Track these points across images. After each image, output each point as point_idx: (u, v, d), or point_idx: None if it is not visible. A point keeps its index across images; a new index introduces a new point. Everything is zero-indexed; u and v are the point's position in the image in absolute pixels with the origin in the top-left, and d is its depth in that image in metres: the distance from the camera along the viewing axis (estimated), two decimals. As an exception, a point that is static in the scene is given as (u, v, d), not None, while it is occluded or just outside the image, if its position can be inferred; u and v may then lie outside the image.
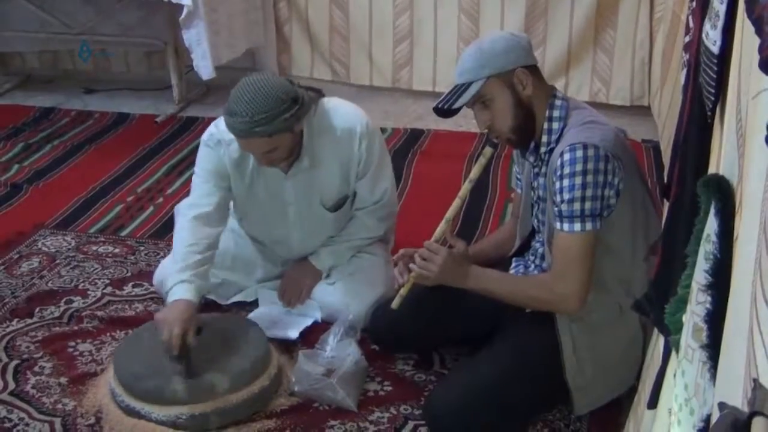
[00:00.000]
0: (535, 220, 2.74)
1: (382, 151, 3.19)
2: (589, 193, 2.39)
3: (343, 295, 3.16)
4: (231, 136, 2.91)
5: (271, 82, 2.77)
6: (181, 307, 2.75)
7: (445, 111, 2.58)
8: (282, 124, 2.75)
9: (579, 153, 2.38)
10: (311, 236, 3.24)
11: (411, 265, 2.64)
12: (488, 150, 2.69)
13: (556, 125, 2.54)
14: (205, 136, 3.08)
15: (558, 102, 2.57)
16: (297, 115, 2.80)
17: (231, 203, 3.23)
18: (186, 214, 3.03)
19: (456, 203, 2.71)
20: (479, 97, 2.54)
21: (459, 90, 2.54)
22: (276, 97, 2.74)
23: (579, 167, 2.38)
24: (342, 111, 3.09)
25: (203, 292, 2.94)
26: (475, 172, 2.70)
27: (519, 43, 2.57)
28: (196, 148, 4.63)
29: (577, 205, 2.40)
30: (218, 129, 3.03)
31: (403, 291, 2.70)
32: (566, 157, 2.40)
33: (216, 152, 3.04)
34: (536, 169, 2.64)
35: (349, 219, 3.28)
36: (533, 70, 2.58)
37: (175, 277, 2.84)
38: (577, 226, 2.41)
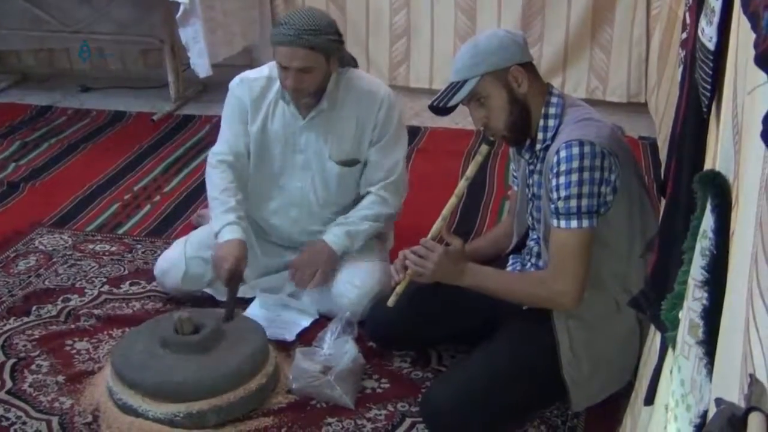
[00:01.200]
0: (531, 218, 2.74)
1: (400, 124, 3.26)
2: (585, 190, 2.39)
3: (341, 284, 3.16)
4: (256, 76, 3.20)
5: (323, 11, 3.09)
6: (234, 244, 3.04)
7: (440, 109, 2.59)
8: (326, 43, 2.96)
9: (575, 150, 2.39)
10: (314, 193, 3.25)
11: (407, 263, 2.64)
12: (484, 148, 2.69)
13: (551, 122, 2.54)
14: (232, 82, 3.27)
15: (554, 99, 2.57)
16: (338, 46, 3.03)
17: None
18: (211, 161, 3.26)
19: (452, 201, 2.71)
20: (475, 95, 2.54)
21: (454, 88, 2.54)
22: (327, 20, 3.01)
23: (575, 164, 2.38)
24: (370, 78, 3.31)
25: (247, 230, 3.18)
26: (471, 169, 2.70)
27: (514, 41, 2.57)
28: (194, 146, 4.66)
29: (573, 202, 2.40)
30: (246, 74, 3.27)
31: (399, 288, 2.70)
32: (562, 154, 2.40)
33: (238, 92, 3.22)
34: (532, 167, 2.64)
35: (358, 199, 3.30)
36: (529, 67, 2.58)
37: (221, 219, 3.11)
38: (574, 223, 2.41)
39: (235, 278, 3.03)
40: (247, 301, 3.28)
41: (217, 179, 3.20)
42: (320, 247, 3.20)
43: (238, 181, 3.21)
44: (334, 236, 3.21)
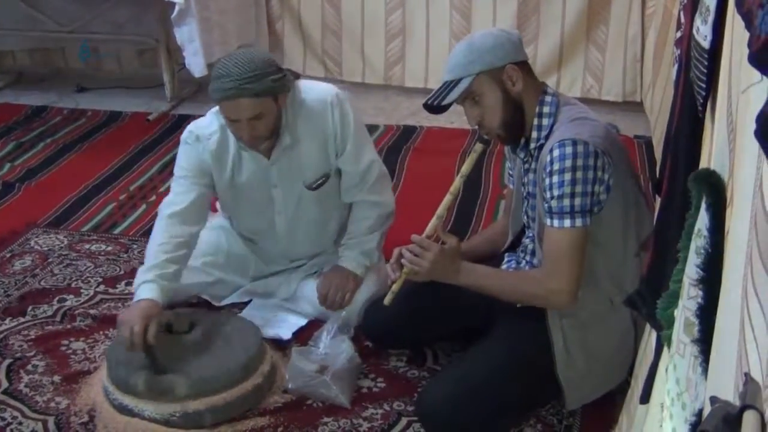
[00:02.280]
0: (525, 216, 2.74)
1: (357, 122, 3.13)
2: (578, 189, 2.39)
3: None
4: (209, 130, 3.00)
5: (256, 51, 2.88)
6: (141, 306, 2.74)
7: (435, 107, 2.59)
8: (270, 84, 2.79)
9: (569, 149, 2.39)
10: (296, 220, 3.21)
11: (402, 261, 2.64)
12: (479, 146, 2.69)
13: (546, 121, 2.54)
14: (184, 135, 3.09)
15: (548, 98, 2.57)
16: (282, 82, 2.85)
17: (218, 204, 3.23)
18: (162, 212, 3.02)
19: (447, 199, 2.71)
20: (469, 94, 2.54)
21: (449, 86, 2.54)
22: (263, 60, 2.81)
23: (569, 163, 2.38)
24: (313, 86, 3.11)
25: (169, 292, 2.88)
26: (465, 167, 2.70)
27: (509, 39, 2.57)
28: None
29: (566, 201, 2.40)
30: (196, 126, 3.07)
31: (394, 287, 2.69)
32: (556, 153, 2.40)
33: (195, 148, 3.04)
34: (526, 165, 2.65)
35: (345, 211, 3.28)
36: (523, 66, 2.58)
37: (140, 277, 2.84)
38: (567, 222, 2.42)
39: (139, 344, 2.68)
40: (242, 305, 3.29)
41: (158, 233, 2.97)
42: (343, 272, 3.15)
43: (183, 235, 2.97)
44: (352, 261, 3.16)
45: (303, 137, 3.04)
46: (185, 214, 3.00)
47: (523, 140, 2.62)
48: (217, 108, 3.01)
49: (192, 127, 3.09)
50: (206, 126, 3.07)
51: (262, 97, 2.78)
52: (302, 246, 3.30)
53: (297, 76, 3.08)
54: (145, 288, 2.79)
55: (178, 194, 3.04)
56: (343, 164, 3.13)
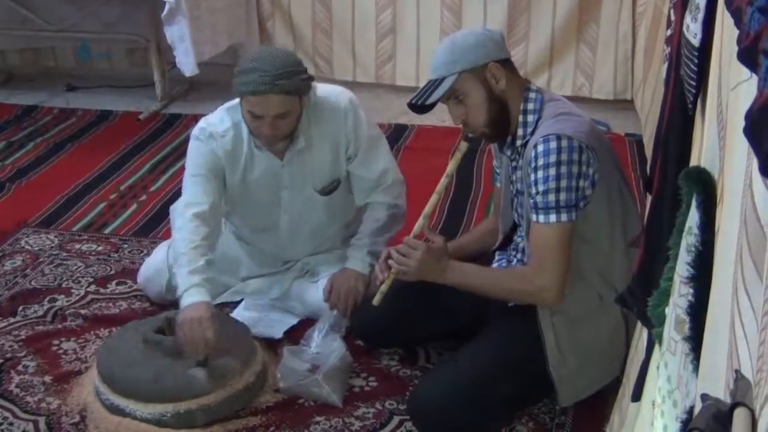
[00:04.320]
0: (516, 214, 2.74)
1: (372, 130, 3.15)
2: (563, 184, 2.39)
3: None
4: (223, 127, 2.98)
5: (283, 49, 2.93)
6: (203, 308, 2.73)
7: (419, 107, 2.59)
8: (300, 83, 2.82)
9: (552, 144, 2.39)
10: (301, 223, 3.21)
11: (390, 261, 2.64)
12: (463, 144, 2.69)
13: (530, 118, 2.55)
14: (195, 132, 3.06)
15: (532, 95, 2.57)
16: (308, 83, 2.88)
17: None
18: (183, 213, 2.95)
19: (433, 198, 2.71)
20: (453, 92, 2.54)
21: (432, 85, 2.55)
22: (293, 59, 2.86)
23: (553, 158, 2.39)
24: (327, 90, 3.12)
25: (214, 296, 2.90)
26: (450, 166, 2.71)
27: (491, 38, 2.57)
28: (180, 145, 4.64)
29: (551, 197, 2.40)
30: (208, 123, 3.04)
31: (383, 287, 2.69)
32: (540, 148, 2.41)
33: (208, 146, 3.01)
34: (514, 163, 2.65)
35: (349, 216, 3.29)
36: (506, 63, 2.58)
37: (187, 281, 2.79)
38: (552, 217, 2.42)
39: (210, 346, 2.72)
40: (233, 304, 3.29)
41: (188, 235, 2.90)
42: (351, 274, 3.12)
43: (211, 236, 2.97)
44: (359, 261, 3.14)
45: (316, 141, 3.04)
46: (207, 215, 2.96)
47: (509, 138, 2.62)
48: (228, 105, 3.03)
49: (203, 123, 3.05)
50: (218, 123, 3.03)
51: (291, 95, 2.79)
52: (301, 248, 3.30)
53: (312, 78, 3.05)
54: (197, 291, 2.77)
55: (197, 195, 2.99)
56: (355, 169, 3.13)
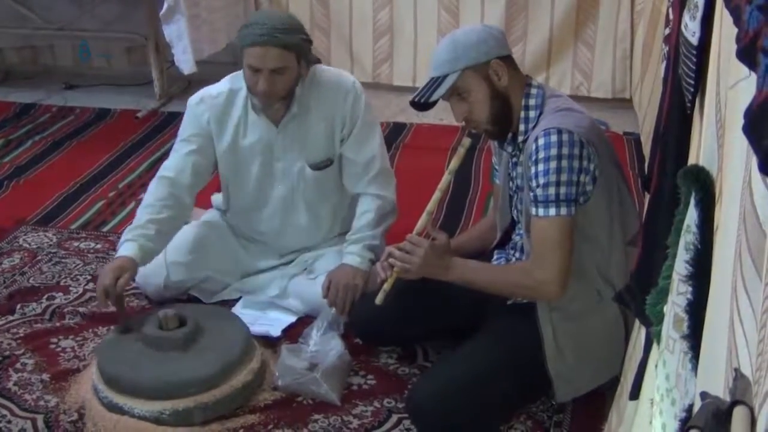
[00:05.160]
0: (515, 211, 2.74)
1: (368, 116, 3.19)
2: (564, 177, 2.39)
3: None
4: (217, 91, 3.12)
5: (290, 13, 3.02)
6: (116, 262, 2.91)
7: (422, 104, 2.59)
8: (299, 41, 2.92)
9: (553, 138, 2.40)
10: (293, 201, 3.23)
11: (392, 260, 2.64)
12: (466, 141, 2.70)
13: (532, 113, 2.55)
14: (190, 99, 3.19)
15: (534, 90, 2.58)
16: (308, 44, 3.00)
17: (213, 197, 3.23)
18: (157, 176, 3.16)
19: (436, 195, 2.71)
20: (455, 90, 2.55)
21: (435, 83, 2.55)
22: (296, 20, 3.00)
23: (553, 152, 2.39)
24: (335, 71, 3.25)
25: (149, 252, 3.01)
26: (454, 163, 2.71)
27: (492, 35, 2.58)
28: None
29: (552, 190, 2.40)
30: (205, 89, 3.19)
31: (386, 286, 2.69)
32: (540, 141, 2.41)
33: (197, 111, 3.14)
34: (514, 159, 2.65)
35: (341, 204, 3.31)
36: (508, 60, 2.58)
37: (123, 237, 3.01)
38: (552, 211, 2.42)
39: (111, 295, 2.84)
40: (231, 302, 3.28)
41: (148, 196, 3.12)
42: (348, 270, 3.12)
43: (170, 198, 3.09)
44: (357, 256, 3.15)
45: (313, 114, 3.10)
46: (175, 178, 3.11)
47: (510, 134, 2.62)
48: (232, 74, 3.14)
49: (201, 91, 3.20)
50: (214, 88, 3.18)
51: (289, 50, 2.89)
52: (294, 235, 3.31)
53: (318, 61, 3.18)
54: (125, 246, 2.96)
55: (174, 159, 3.17)
56: (346, 150, 3.17)
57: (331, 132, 3.14)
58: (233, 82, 3.14)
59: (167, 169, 3.14)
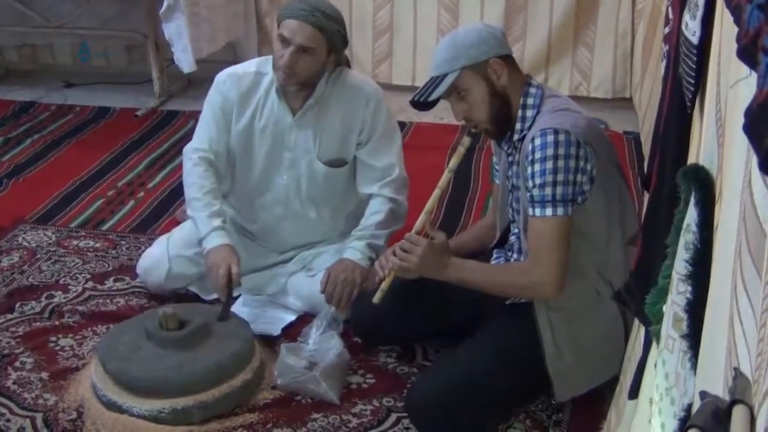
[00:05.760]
0: (511, 209, 2.74)
1: (389, 123, 3.22)
2: (560, 177, 2.39)
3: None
4: (244, 70, 3.16)
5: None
6: (225, 250, 2.99)
7: (421, 104, 2.59)
8: (334, 29, 2.96)
9: (550, 138, 2.40)
10: (298, 189, 3.22)
11: (391, 258, 2.64)
12: (466, 139, 2.70)
13: (529, 113, 2.55)
14: (217, 77, 3.22)
15: (532, 90, 2.58)
16: (343, 43, 3.06)
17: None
18: (191, 158, 3.18)
19: (435, 194, 2.71)
20: (454, 89, 2.55)
21: (434, 82, 2.55)
22: (340, 14, 3.05)
23: (550, 152, 2.39)
24: (359, 76, 3.32)
25: (231, 235, 3.12)
26: (453, 162, 2.71)
27: (492, 34, 2.58)
28: (178, 142, 4.64)
29: (548, 190, 2.40)
30: (233, 67, 3.23)
31: (384, 285, 2.69)
32: (537, 142, 2.41)
33: (224, 88, 3.16)
34: (511, 158, 2.65)
35: (344, 206, 3.31)
36: (508, 59, 2.59)
37: (208, 224, 3.05)
38: (549, 211, 2.42)
39: (230, 283, 2.94)
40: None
41: (199, 179, 3.13)
42: (348, 265, 3.10)
43: (220, 181, 3.17)
44: (357, 252, 3.13)
45: (332, 111, 3.12)
46: (214, 160, 3.18)
47: (508, 133, 2.62)
48: (259, 59, 3.21)
49: (228, 69, 3.23)
50: (241, 67, 3.21)
51: (323, 33, 2.93)
52: (290, 229, 3.30)
53: (348, 64, 3.24)
54: (217, 235, 3.03)
55: (205, 140, 3.19)
56: (364, 156, 3.19)
57: (347, 133, 3.14)
58: (260, 65, 3.17)
59: (204, 150, 3.17)
